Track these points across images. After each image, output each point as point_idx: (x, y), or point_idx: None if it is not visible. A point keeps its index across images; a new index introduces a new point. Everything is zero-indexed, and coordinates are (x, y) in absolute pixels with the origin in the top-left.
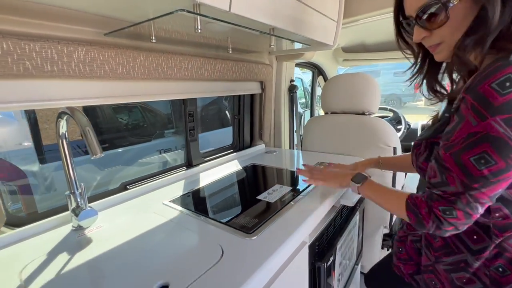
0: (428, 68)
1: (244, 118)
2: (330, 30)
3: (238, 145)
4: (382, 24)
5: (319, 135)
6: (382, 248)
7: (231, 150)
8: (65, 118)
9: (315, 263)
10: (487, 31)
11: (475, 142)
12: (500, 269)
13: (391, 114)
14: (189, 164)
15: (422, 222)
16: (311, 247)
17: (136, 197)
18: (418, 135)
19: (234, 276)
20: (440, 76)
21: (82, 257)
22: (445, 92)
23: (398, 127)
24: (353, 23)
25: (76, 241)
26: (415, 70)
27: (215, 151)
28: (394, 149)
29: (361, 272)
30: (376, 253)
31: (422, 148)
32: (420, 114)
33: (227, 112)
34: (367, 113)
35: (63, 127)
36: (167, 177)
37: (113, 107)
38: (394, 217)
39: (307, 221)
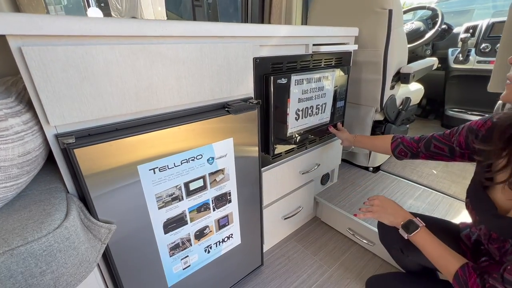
0: None
1: None
2: None
3: (246, 21)
4: None
5: (323, 8)
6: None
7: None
8: None
9: (264, 74)
10: None
11: None
12: None
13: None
14: None
15: None
16: (259, 59)
17: None
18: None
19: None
20: None
21: None
22: None
23: (432, 27)
24: None
25: None
26: None
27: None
28: (390, 11)
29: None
30: None
31: (510, 247)
32: None
33: None
34: None
35: None
36: None
37: None
38: (385, 98)
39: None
